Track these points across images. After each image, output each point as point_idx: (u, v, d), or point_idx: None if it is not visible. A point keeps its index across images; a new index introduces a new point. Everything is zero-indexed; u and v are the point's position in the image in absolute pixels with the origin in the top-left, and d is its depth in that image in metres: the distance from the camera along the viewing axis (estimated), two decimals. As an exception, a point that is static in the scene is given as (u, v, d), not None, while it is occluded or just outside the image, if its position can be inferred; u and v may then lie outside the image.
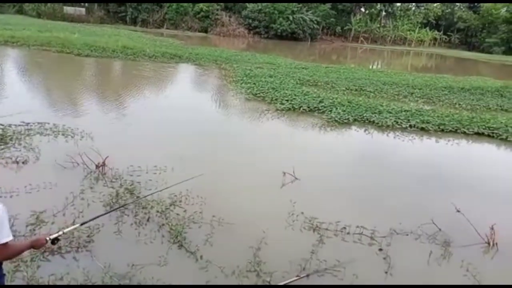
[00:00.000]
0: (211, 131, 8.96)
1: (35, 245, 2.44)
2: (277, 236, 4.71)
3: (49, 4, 41.98)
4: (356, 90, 14.94)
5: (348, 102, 11.91)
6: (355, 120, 10.40)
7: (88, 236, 4.19)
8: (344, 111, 10.90)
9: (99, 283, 3.46)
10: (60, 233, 2.62)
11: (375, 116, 10.70)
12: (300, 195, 5.88)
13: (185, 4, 44.62)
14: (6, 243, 2.19)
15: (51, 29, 25.99)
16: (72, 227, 2.97)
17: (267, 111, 10.88)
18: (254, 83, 14.01)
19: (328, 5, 49.22)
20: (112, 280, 3.49)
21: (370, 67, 28.12)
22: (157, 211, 4.91)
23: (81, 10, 44.06)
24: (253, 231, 4.65)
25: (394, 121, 10.44)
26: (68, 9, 43.17)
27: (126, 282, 3.51)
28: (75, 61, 16.70)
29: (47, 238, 2.50)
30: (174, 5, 44.59)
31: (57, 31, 24.78)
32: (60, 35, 22.38)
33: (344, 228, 4.95)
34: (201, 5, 45.10)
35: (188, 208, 5.08)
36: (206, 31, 45.27)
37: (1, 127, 7.26)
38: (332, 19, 50.45)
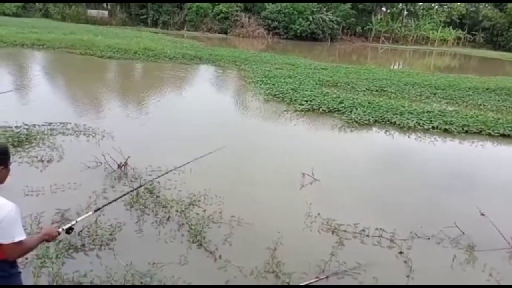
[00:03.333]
0: (230, 132, 9.01)
1: (47, 238, 2.47)
2: (296, 237, 4.70)
3: (73, 7, 43.16)
4: (376, 90, 14.75)
5: (369, 103, 11.78)
6: (375, 121, 10.27)
7: (110, 235, 4.28)
8: (365, 112, 10.78)
9: (121, 280, 3.54)
10: (73, 222, 2.65)
11: (396, 117, 10.53)
12: (319, 196, 5.86)
13: (205, 6, 45.02)
14: (20, 241, 2.25)
15: (75, 31, 26.70)
16: (85, 215, 2.93)
17: (286, 111, 10.86)
18: (273, 84, 14.01)
19: (348, 4, 48.69)
20: (133, 278, 3.56)
21: (391, 67, 27.69)
22: (177, 211, 4.98)
23: (104, 13, 45.09)
24: (271, 232, 4.65)
25: (416, 122, 10.25)
26: (92, 12, 44.26)
27: (147, 280, 3.57)
28: (98, 63, 17.10)
29: (59, 230, 2.51)
30: (194, 7, 45.06)
31: (81, 33, 25.44)
32: (84, 37, 22.97)
33: (363, 230, 4.90)
34: (220, 6, 45.41)
35: (207, 208, 5.13)
36: (225, 33, 45.54)
37: (26, 127, 7.51)
38: (352, 19, 49.91)
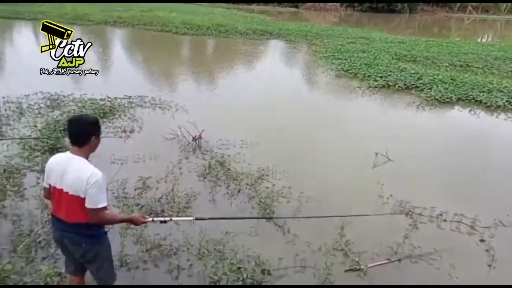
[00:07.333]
0: (300, 107, 8.93)
1: (134, 222, 2.73)
2: (366, 218, 4.59)
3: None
4: (461, 66, 13.53)
5: (451, 79, 10.86)
6: (458, 99, 9.47)
7: (186, 203, 4.54)
8: (446, 89, 9.97)
9: (197, 245, 3.76)
10: (168, 218, 3.02)
11: (483, 95, 9.61)
12: (393, 177, 5.64)
13: (276, -21, 44.11)
14: (102, 207, 2.44)
15: (152, 8, 27.87)
16: (184, 218, 3.56)
17: (359, 88, 10.44)
18: (346, 59, 13.49)
19: (432, -29, 44.64)
20: (208, 244, 3.77)
21: (479, 40, 25.11)
22: (247, 184, 5.11)
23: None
24: (341, 211, 4.59)
25: (506, 101, 9.26)
26: (167, -11, 45.70)
27: (220, 247, 3.75)
28: (173, 39, 17.77)
29: (149, 219, 2.83)
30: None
31: (157, 10, 26.49)
32: (160, 14, 23.92)
33: (441, 214, 4.64)
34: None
35: (276, 183, 5.19)
36: (297, 6, 44.47)
37: (109, 99, 8.12)
38: (435, -13, 45.80)
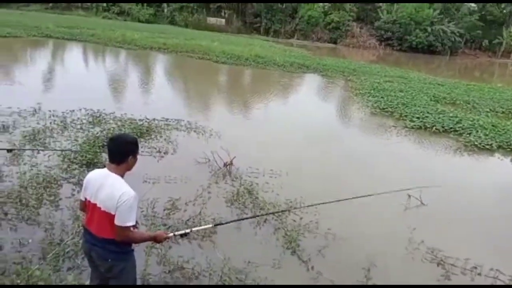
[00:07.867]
0: (333, 142, 8.87)
1: (157, 239, 2.77)
2: (394, 262, 4.42)
3: (195, 15, 47.28)
4: (503, 112, 13.11)
5: (493, 125, 10.51)
6: (499, 147, 9.11)
7: (212, 227, 4.54)
8: (487, 135, 9.64)
9: (219, 272, 3.72)
10: (188, 231, 3.03)
11: (527, 144, 9.21)
12: (425, 223, 5.41)
13: (316, 15, 45.33)
14: (129, 226, 2.49)
15: (195, 37, 29.09)
16: (203, 227, 3.62)
17: (395, 127, 10.28)
18: (382, 97, 13.41)
19: (475, 15, 44.33)
20: (230, 272, 3.73)
21: (523, 87, 24.30)
22: (274, 214, 5.05)
23: (221, 21, 48.50)
24: (368, 252, 4.44)
25: (552, 152, 8.83)
26: (211, 20, 48.00)
27: (242, 277, 3.70)
28: (213, 67, 18.37)
29: (173, 234, 2.88)
30: (306, 17, 45.69)
31: (200, 39, 27.61)
32: (202, 43, 24.89)
33: (475, 267, 4.38)
34: (332, 16, 45.25)
35: (304, 216, 5.10)
36: (335, 42, 45.14)
37: (147, 120, 8.39)
38: (478, 31, 45.25)
